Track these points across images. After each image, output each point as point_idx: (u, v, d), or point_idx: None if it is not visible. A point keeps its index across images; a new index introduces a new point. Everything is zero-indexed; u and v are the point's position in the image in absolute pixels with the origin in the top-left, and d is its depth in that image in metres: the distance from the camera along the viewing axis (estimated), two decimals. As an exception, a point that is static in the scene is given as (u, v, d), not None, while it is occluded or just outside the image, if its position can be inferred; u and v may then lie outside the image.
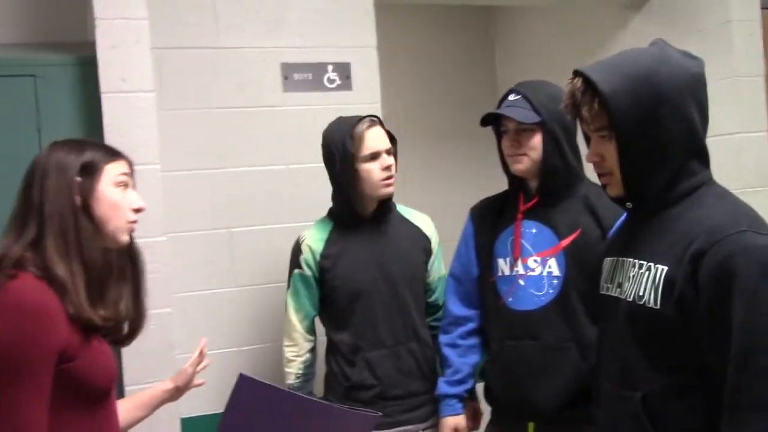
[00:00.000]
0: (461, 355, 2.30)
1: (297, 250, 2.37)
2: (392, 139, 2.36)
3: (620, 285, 1.59)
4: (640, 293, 1.49)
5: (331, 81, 2.85)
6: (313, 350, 2.40)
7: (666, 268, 1.44)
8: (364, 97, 2.88)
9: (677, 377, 1.45)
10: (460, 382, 2.29)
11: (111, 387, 1.55)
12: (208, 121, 2.72)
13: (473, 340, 2.30)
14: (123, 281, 1.61)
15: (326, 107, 2.77)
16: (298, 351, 2.37)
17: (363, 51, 2.89)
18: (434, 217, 4.05)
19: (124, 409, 1.74)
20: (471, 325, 2.30)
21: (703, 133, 1.52)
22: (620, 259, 1.61)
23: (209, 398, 2.61)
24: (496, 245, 2.20)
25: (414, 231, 2.44)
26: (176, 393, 1.87)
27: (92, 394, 1.50)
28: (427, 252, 2.44)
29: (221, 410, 2.67)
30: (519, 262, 2.14)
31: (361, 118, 2.31)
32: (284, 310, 2.41)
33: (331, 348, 2.39)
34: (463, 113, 4.13)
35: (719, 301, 1.35)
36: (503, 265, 2.18)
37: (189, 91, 2.69)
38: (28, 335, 1.37)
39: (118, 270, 1.60)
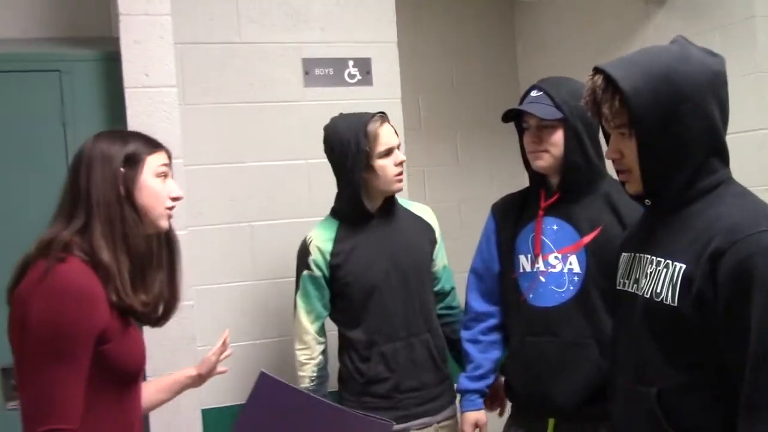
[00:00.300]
0: (482, 351, 2.31)
1: (305, 251, 2.35)
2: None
3: (637, 281, 1.58)
4: (658, 290, 1.49)
5: (351, 76, 2.86)
6: (324, 352, 2.39)
7: (684, 266, 1.44)
8: (385, 92, 2.89)
9: (693, 374, 1.45)
10: (481, 377, 2.30)
11: (140, 372, 1.61)
12: (230, 116, 2.74)
13: (494, 336, 2.31)
14: (160, 265, 1.68)
15: (347, 102, 2.79)
16: (311, 354, 2.35)
17: (383, 46, 2.90)
18: (454, 211, 4.08)
19: (147, 392, 1.79)
20: (492, 321, 2.31)
21: (723, 131, 1.51)
22: (637, 255, 1.61)
23: (229, 390, 2.64)
24: (517, 242, 2.20)
25: (418, 222, 2.46)
26: (199, 380, 1.92)
27: (123, 377, 1.56)
28: (432, 242, 2.47)
29: (240, 402, 2.72)
30: (540, 259, 2.13)
31: (372, 115, 2.32)
32: (293, 313, 2.39)
33: (345, 345, 2.38)
34: (484, 107, 4.13)
35: (737, 300, 1.35)
36: (524, 262, 2.18)
37: (211, 86, 2.72)
38: (71, 317, 1.44)
39: (156, 255, 1.67)
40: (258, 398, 1.31)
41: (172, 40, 2.51)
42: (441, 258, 2.51)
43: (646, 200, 1.58)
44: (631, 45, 3.39)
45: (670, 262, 1.48)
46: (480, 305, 2.32)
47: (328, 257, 2.32)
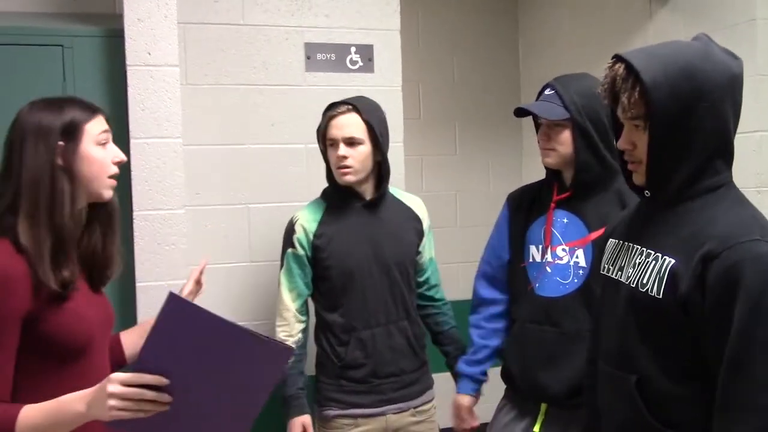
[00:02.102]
0: (483, 337, 2.36)
1: (290, 229, 2.39)
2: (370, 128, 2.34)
3: (622, 269, 1.61)
4: (644, 281, 1.51)
5: (353, 62, 2.87)
6: (305, 331, 2.41)
7: (673, 261, 1.46)
8: (385, 79, 2.90)
9: (674, 364, 1.47)
10: (478, 362, 2.36)
11: (86, 346, 1.58)
12: (230, 97, 2.75)
13: (498, 324, 2.36)
14: (95, 231, 1.67)
15: (347, 88, 2.80)
16: (289, 331, 2.38)
17: (386, 34, 2.90)
18: (450, 201, 4.10)
19: (130, 340, 1.83)
20: (496, 308, 2.36)
21: (733, 134, 1.52)
22: (626, 243, 1.63)
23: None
24: (529, 232, 2.25)
25: (406, 212, 2.48)
26: None
27: (66, 352, 1.55)
28: (419, 233, 2.49)
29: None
30: (549, 250, 2.18)
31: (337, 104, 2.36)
32: (277, 290, 2.42)
33: (323, 328, 2.41)
34: (483, 99, 4.15)
35: (723, 304, 1.37)
36: (535, 252, 2.22)
37: (213, 66, 2.73)
38: None
39: (94, 220, 1.66)
40: (166, 321, 1.32)
41: (176, 20, 2.51)
42: (428, 250, 2.53)
43: (646, 192, 1.59)
44: (633, 43, 3.41)
45: (659, 255, 1.49)
46: (487, 292, 2.37)
47: (311, 237, 2.36)
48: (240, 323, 1.42)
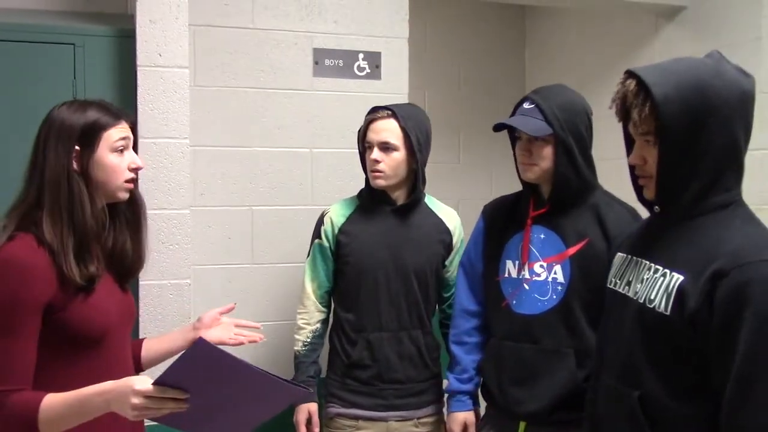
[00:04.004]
0: (468, 353, 2.33)
1: (320, 221, 2.45)
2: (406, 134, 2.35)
3: (629, 283, 1.61)
4: (652, 297, 1.51)
5: (361, 69, 2.89)
6: (324, 322, 2.46)
7: (681, 278, 1.46)
8: (392, 87, 2.92)
9: (678, 381, 1.47)
10: (470, 379, 2.33)
11: (104, 335, 1.64)
12: (238, 100, 2.77)
13: (479, 338, 2.33)
14: (122, 229, 1.73)
15: (354, 94, 2.83)
16: (308, 319, 2.43)
17: (395, 42, 2.93)
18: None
19: (149, 344, 1.91)
20: (477, 321, 2.33)
21: (744, 151, 1.52)
22: (635, 258, 1.63)
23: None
24: (506, 247, 2.22)
25: (437, 223, 2.47)
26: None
27: (85, 342, 1.61)
28: (447, 246, 2.47)
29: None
30: (526, 267, 2.16)
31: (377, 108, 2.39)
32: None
33: (337, 325, 2.45)
34: (488, 109, 4.15)
35: (731, 323, 1.37)
36: (511, 267, 2.20)
37: (221, 69, 2.75)
38: (11, 289, 1.51)
39: (121, 218, 1.73)
40: (189, 361, 1.42)
41: (187, 22, 2.54)
42: (457, 266, 2.47)
43: (656, 207, 1.59)
44: (639, 57, 3.43)
45: (668, 271, 1.49)
46: (469, 302, 2.34)
47: (336, 231, 2.40)
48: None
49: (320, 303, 2.44)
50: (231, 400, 1.50)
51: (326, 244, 2.41)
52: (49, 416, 1.49)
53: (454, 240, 2.49)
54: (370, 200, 2.43)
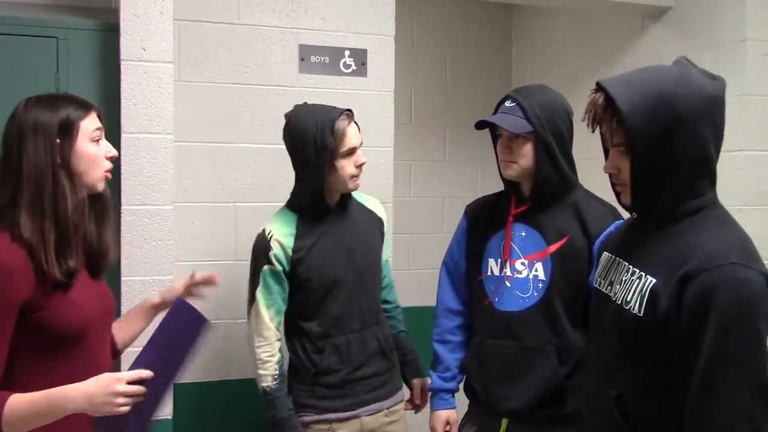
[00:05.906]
0: (451, 351, 2.35)
1: (266, 246, 2.30)
2: None
3: (611, 284, 1.64)
4: (628, 298, 1.54)
5: (346, 66, 2.89)
6: (281, 348, 2.35)
7: (654, 281, 1.49)
8: (378, 84, 2.92)
9: (654, 381, 1.50)
10: (453, 377, 2.34)
11: (84, 333, 1.65)
12: (223, 96, 2.76)
13: (463, 336, 2.35)
14: (94, 221, 1.74)
15: (340, 91, 2.82)
16: (271, 351, 2.30)
17: (381, 39, 2.92)
18: (437, 206, 4.12)
19: (120, 327, 1.92)
20: (460, 320, 2.35)
21: (715, 155, 1.54)
22: (617, 259, 1.66)
23: (200, 367, 2.68)
24: (488, 245, 2.24)
25: (371, 216, 2.48)
26: (163, 307, 1.99)
27: (64, 340, 1.62)
28: (382, 235, 2.50)
29: (212, 379, 2.75)
30: (508, 264, 2.18)
31: (340, 112, 2.27)
32: (250, 309, 2.34)
33: (297, 335, 2.37)
34: (475, 106, 4.17)
35: (696, 325, 1.40)
36: (493, 265, 2.22)
37: (206, 64, 2.74)
38: None
39: (93, 212, 1.73)
40: (170, 324, 1.47)
41: (171, 16, 2.52)
42: (386, 251, 2.54)
43: (634, 213, 1.62)
44: (625, 57, 3.44)
45: (643, 274, 1.53)
46: (452, 301, 2.36)
47: (289, 252, 2.30)
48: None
49: (277, 330, 2.34)
50: (171, 360, 1.56)
51: (279, 268, 2.29)
52: (13, 416, 1.49)
53: (385, 227, 2.52)
54: (315, 210, 2.33)
